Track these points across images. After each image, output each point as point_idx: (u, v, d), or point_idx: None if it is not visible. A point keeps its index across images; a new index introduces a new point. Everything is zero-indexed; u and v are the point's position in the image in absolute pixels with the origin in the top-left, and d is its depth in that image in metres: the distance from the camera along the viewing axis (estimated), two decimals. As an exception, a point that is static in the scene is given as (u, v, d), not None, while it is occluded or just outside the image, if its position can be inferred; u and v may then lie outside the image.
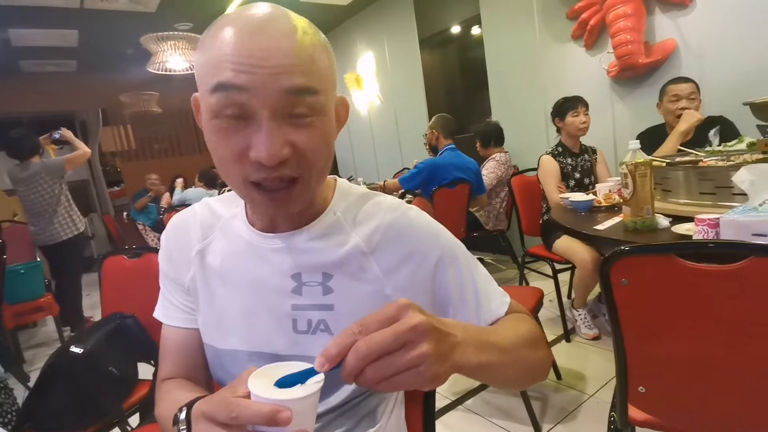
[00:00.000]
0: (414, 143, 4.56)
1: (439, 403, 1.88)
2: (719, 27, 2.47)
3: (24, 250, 3.41)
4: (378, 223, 0.63)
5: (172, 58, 4.20)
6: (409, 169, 4.48)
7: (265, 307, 0.61)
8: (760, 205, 1.01)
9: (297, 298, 0.61)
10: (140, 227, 5.24)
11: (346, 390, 0.62)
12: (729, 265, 0.78)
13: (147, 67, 4.36)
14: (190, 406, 0.48)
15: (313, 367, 0.41)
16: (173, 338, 0.69)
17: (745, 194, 1.11)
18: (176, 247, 0.68)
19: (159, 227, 5.00)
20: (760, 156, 1.42)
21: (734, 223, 1.00)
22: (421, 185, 2.90)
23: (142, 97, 6.14)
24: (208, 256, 0.65)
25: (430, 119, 3.38)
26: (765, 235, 0.94)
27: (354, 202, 0.66)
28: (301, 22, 0.51)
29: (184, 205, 4.34)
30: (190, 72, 4.38)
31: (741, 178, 1.06)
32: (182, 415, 0.48)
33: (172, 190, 5.30)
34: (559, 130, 2.59)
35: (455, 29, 4.24)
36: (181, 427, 0.47)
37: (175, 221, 0.70)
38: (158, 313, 0.71)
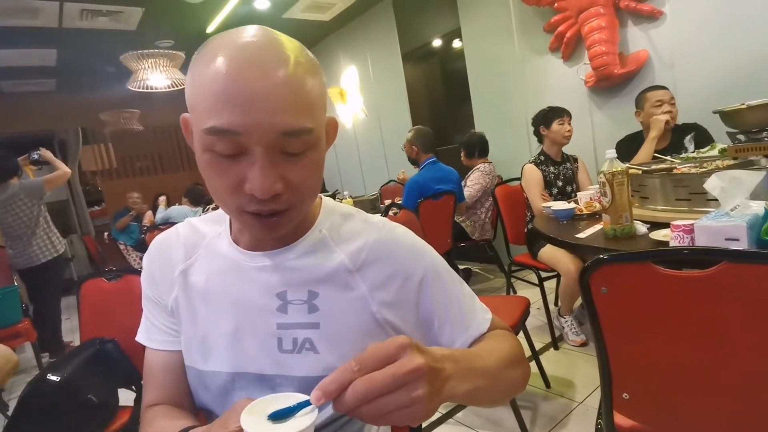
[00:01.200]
0: (400, 155, 4.57)
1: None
2: (689, 38, 2.56)
3: (0, 274, 3.33)
4: (364, 241, 0.63)
5: (153, 75, 4.18)
6: (395, 181, 4.51)
7: (249, 326, 0.61)
8: (732, 210, 1.04)
9: (282, 317, 0.60)
10: (122, 247, 5.15)
11: (331, 417, 0.62)
12: (703, 270, 0.80)
13: (127, 85, 4.33)
14: None
15: (308, 400, 0.41)
16: (157, 362, 0.67)
17: (718, 200, 1.14)
18: (159, 268, 0.67)
19: (141, 247, 4.91)
20: (731, 162, 1.46)
21: (707, 228, 1.02)
22: (417, 201, 2.92)
23: (123, 115, 6.09)
24: (192, 275, 0.65)
25: (409, 132, 3.41)
26: (737, 240, 0.96)
27: (339, 219, 0.66)
28: (293, 49, 0.51)
29: (167, 223, 4.28)
30: (171, 89, 4.36)
31: (712, 185, 1.08)
32: None
33: (155, 209, 5.23)
34: (541, 140, 2.64)
35: (437, 42, 4.31)
36: None
37: (158, 242, 0.70)
38: (141, 337, 0.69)
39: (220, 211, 0.69)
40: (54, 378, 1.17)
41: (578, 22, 2.89)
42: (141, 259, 4.96)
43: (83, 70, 5.22)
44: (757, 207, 1.02)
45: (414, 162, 3.28)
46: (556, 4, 3.01)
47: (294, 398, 0.43)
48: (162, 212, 4.92)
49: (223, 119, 0.47)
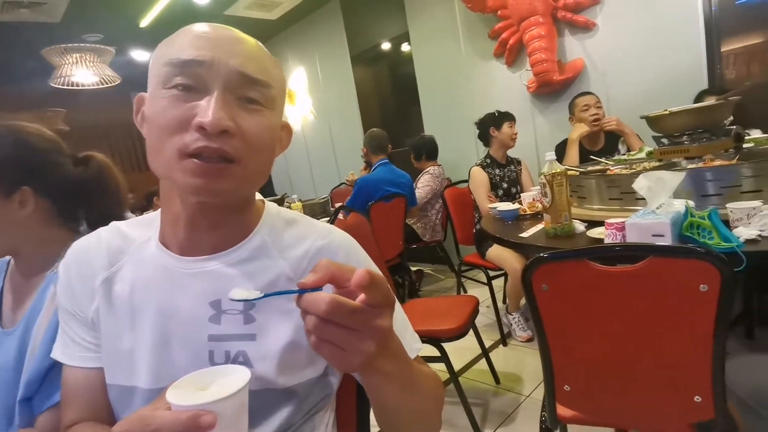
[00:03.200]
0: (350, 158, 4.58)
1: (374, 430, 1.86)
2: (619, 48, 2.74)
3: None
4: (307, 249, 0.61)
5: (79, 71, 3.88)
6: (345, 183, 4.49)
7: (179, 338, 0.57)
8: (658, 208, 1.12)
9: (215, 328, 0.57)
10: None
11: (280, 417, 0.59)
12: (632, 265, 0.85)
13: (49, 81, 4.00)
14: None
15: (243, 369, 0.40)
16: (77, 380, 0.61)
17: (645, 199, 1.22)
18: (77, 277, 0.61)
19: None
20: (657, 163, 1.57)
21: (636, 225, 1.09)
22: (366, 202, 2.92)
23: (46, 115, 5.61)
24: (116, 284, 0.60)
25: (365, 133, 3.42)
26: (662, 235, 1.04)
27: (282, 225, 0.64)
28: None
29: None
30: (101, 87, 4.08)
31: (640, 185, 1.16)
32: None
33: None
34: (487, 143, 2.72)
35: (385, 46, 4.35)
36: None
37: (76, 248, 0.64)
38: (57, 353, 0.63)
39: (150, 215, 0.65)
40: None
41: (520, 29, 3.02)
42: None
43: (1, 65, 4.79)
44: (679, 205, 1.10)
45: (369, 164, 3.31)
46: (499, 12, 3.12)
47: (229, 370, 0.41)
48: None
49: (189, 52, 0.50)
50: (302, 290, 0.38)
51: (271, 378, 0.57)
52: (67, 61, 3.82)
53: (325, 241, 0.63)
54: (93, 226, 0.86)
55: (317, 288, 0.38)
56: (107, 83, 4.00)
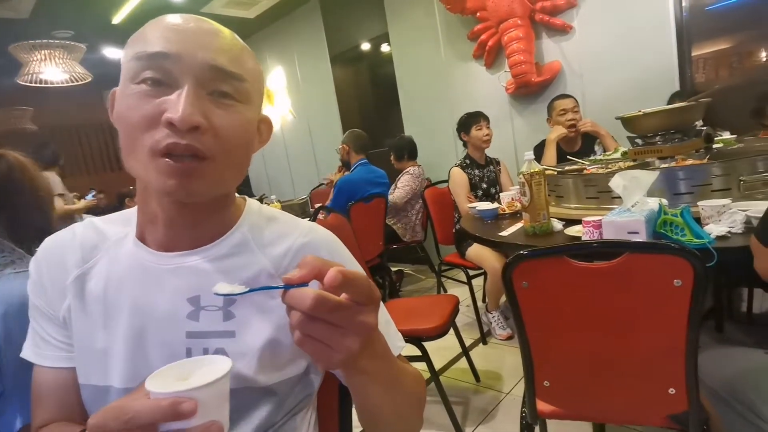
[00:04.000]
0: (330, 158, 4.55)
1: (357, 429, 1.85)
2: (595, 51, 2.81)
3: None
4: (289, 246, 0.60)
5: (48, 68, 3.75)
6: (325, 184, 4.46)
7: (155, 335, 0.55)
8: (633, 206, 1.14)
9: (193, 325, 0.55)
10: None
11: (260, 416, 0.58)
12: (609, 261, 0.86)
13: (16, 78, 3.85)
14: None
15: (225, 358, 0.39)
16: (49, 381, 0.59)
17: (621, 197, 1.25)
18: (48, 275, 0.59)
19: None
20: (631, 163, 1.61)
21: (613, 223, 1.11)
22: (347, 203, 2.90)
23: (13, 113, 5.40)
24: (90, 281, 0.58)
25: (344, 134, 3.41)
26: (637, 233, 1.06)
27: (264, 222, 0.63)
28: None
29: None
30: (70, 85, 3.94)
31: (615, 183, 1.19)
32: None
33: None
34: (465, 144, 2.75)
35: (365, 46, 4.34)
36: None
37: (48, 244, 0.61)
38: (27, 353, 0.60)
39: (126, 211, 0.63)
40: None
41: (498, 32, 3.06)
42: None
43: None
44: (653, 203, 1.13)
45: (346, 164, 3.28)
46: (478, 14, 3.15)
47: (205, 359, 0.41)
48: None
49: (156, 44, 0.48)
50: (287, 286, 0.37)
51: (251, 376, 0.56)
52: (35, 58, 3.68)
53: (307, 239, 0.62)
54: (12, 236, 0.80)
55: (303, 284, 0.37)
56: (78, 81, 3.86)
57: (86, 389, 0.58)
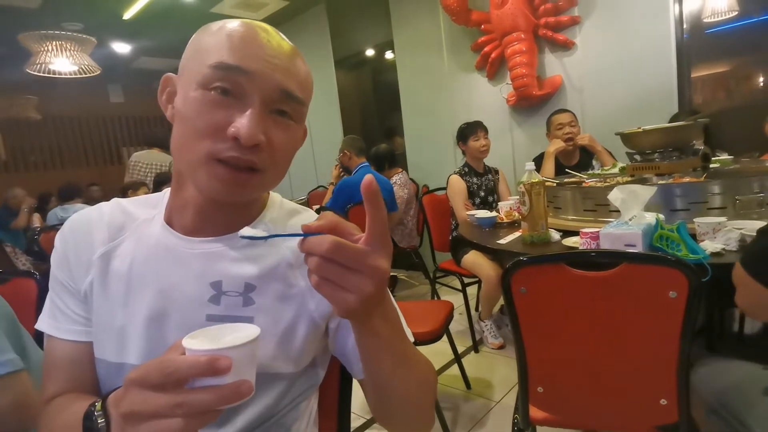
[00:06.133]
0: (329, 162, 4.56)
1: (354, 422, 1.85)
2: (596, 68, 2.85)
3: None
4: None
5: (58, 59, 3.76)
6: (323, 186, 4.47)
7: (175, 316, 0.57)
8: (630, 219, 1.16)
9: (213, 308, 0.57)
10: (9, 250, 4.53)
11: (266, 401, 0.59)
12: (607, 271, 0.88)
13: (25, 67, 3.86)
14: (104, 398, 0.45)
15: (253, 326, 0.42)
16: (63, 353, 0.60)
17: (619, 211, 1.27)
18: (74, 249, 0.61)
19: (31, 250, 4.35)
20: (629, 178, 1.64)
21: (610, 235, 1.13)
22: (345, 204, 2.91)
23: (18, 101, 5.39)
24: (115, 259, 0.59)
25: (344, 138, 3.42)
26: (634, 245, 1.08)
27: (286, 215, 0.66)
28: None
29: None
30: (78, 76, 3.94)
31: (614, 197, 1.21)
32: (97, 405, 0.44)
33: (44, 206, 4.66)
34: (464, 153, 2.77)
35: (369, 52, 4.38)
36: (99, 421, 0.43)
37: (75, 220, 0.63)
38: (44, 325, 0.61)
39: (153, 195, 0.66)
40: None
41: (502, 44, 3.10)
42: (31, 263, 4.42)
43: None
44: (650, 217, 1.16)
45: (347, 170, 3.29)
46: (482, 26, 3.20)
47: (236, 325, 0.43)
48: (64, 210, 4.41)
49: (236, 57, 0.51)
50: (306, 234, 0.40)
51: (264, 362, 0.57)
52: (45, 48, 3.68)
53: None
54: None
55: (320, 234, 0.40)
56: (86, 73, 3.87)
57: (101, 363, 0.59)
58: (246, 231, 0.44)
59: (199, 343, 0.40)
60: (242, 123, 0.50)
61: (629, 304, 0.89)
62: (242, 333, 0.41)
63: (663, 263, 0.83)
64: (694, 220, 1.18)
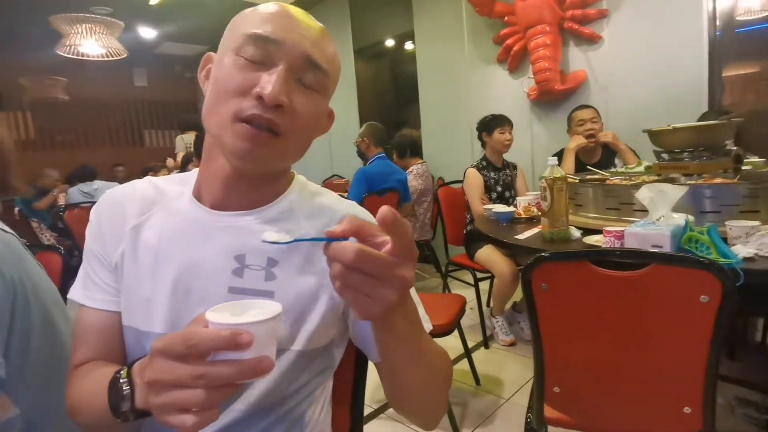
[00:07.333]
0: (345, 151, 4.54)
1: (366, 410, 1.84)
2: (622, 63, 2.77)
3: None
4: (331, 217, 0.64)
5: (87, 42, 3.81)
6: (338, 176, 4.45)
7: (200, 287, 0.58)
8: (658, 219, 1.12)
9: (236, 281, 0.59)
10: (35, 225, 4.64)
11: (279, 378, 0.59)
12: (634, 271, 0.85)
13: (56, 49, 3.91)
14: (130, 366, 0.47)
15: (273, 302, 0.43)
16: (93, 322, 0.62)
17: (645, 210, 1.23)
18: (108, 221, 0.64)
19: (56, 226, 4.46)
20: (655, 177, 1.58)
21: (636, 235, 1.09)
22: (363, 193, 2.89)
23: (47, 82, 5.47)
24: (145, 231, 0.62)
25: (361, 127, 3.39)
26: (661, 247, 1.04)
27: (310, 195, 0.68)
28: None
29: (89, 202, 3.92)
30: (105, 59, 3.99)
31: (642, 195, 1.17)
32: (123, 372, 0.47)
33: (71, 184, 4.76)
34: (483, 145, 2.72)
35: (389, 42, 4.33)
36: (124, 388, 0.46)
37: (109, 195, 0.66)
38: (77, 294, 0.64)
39: (183, 174, 0.68)
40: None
41: (525, 37, 3.03)
42: (55, 239, 4.53)
43: (4, 27, 4.64)
44: (680, 218, 1.11)
45: (362, 156, 3.27)
46: (506, 18, 3.13)
47: (257, 302, 0.44)
48: (86, 187, 4.48)
49: (267, 29, 0.54)
50: (330, 239, 0.40)
51: (282, 337, 0.58)
52: (75, 31, 3.75)
53: (351, 210, 0.67)
54: None
55: (344, 238, 0.40)
56: (114, 56, 3.93)
57: (128, 331, 0.61)
58: (269, 236, 0.44)
59: (222, 317, 0.41)
60: (267, 82, 0.52)
61: (657, 306, 0.85)
62: (264, 309, 0.42)
63: (695, 265, 0.79)
64: (725, 223, 1.13)
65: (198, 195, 0.64)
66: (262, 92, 0.52)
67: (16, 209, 5.01)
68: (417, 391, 0.56)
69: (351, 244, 0.38)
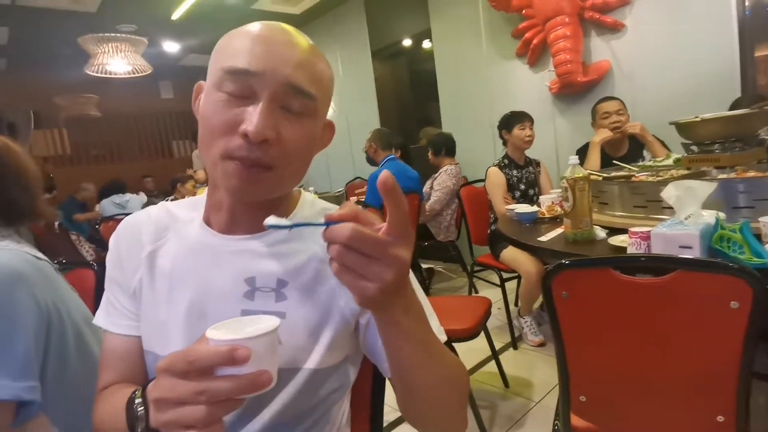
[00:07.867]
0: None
1: (389, 416, 1.85)
2: (648, 51, 2.67)
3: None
4: None
5: (114, 60, 3.99)
6: (361, 178, 4.48)
7: (213, 311, 0.60)
8: (686, 218, 1.08)
9: (248, 303, 0.60)
10: (74, 238, 4.87)
11: (293, 397, 0.59)
12: (659, 277, 0.82)
13: (85, 68, 4.10)
14: (144, 387, 0.48)
15: (274, 317, 0.44)
16: (116, 347, 0.65)
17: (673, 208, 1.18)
18: (126, 249, 0.66)
19: (93, 238, 4.68)
20: (685, 171, 1.52)
21: (663, 236, 1.05)
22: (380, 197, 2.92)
23: (79, 100, 5.75)
24: (160, 258, 0.64)
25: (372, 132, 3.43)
26: (690, 248, 1.00)
27: (317, 213, 0.68)
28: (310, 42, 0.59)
29: (122, 214, 4.09)
30: (132, 76, 4.15)
31: (668, 194, 1.12)
32: (137, 393, 0.48)
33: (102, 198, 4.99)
34: (505, 143, 2.68)
35: (407, 42, 4.32)
36: (138, 408, 0.47)
37: (127, 222, 0.69)
38: (101, 320, 0.66)
39: (194, 198, 0.70)
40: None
41: (544, 29, 2.96)
42: (94, 250, 4.75)
43: (37, 50, 4.90)
44: (709, 216, 1.06)
45: (371, 161, 3.31)
46: (524, 11, 3.07)
47: (257, 317, 0.46)
48: (118, 199, 4.68)
49: (244, 61, 0.53)
50: (328, 223, 0.41)
51: (294, 356, 0.59)
52: (102, 50, 3.94)
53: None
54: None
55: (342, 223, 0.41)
56: (139, 73, 4.08)
57: (149, 355, 0.63)
58: (270, 220, 0.45)
59: (222, 333, 0.42)
60: (251, 119, 0.52)
61: (684, 313, 0.82)
62: (262, 324, 0.43)
63: (723, 271, 0.76)
64: (759, 219, 1.08)
65: (207, 220, 0.65)
66: (247, 130, 0.51)
67: (56, 223, 5.27)
68: (429, 397, 0.55)
69: (347, 224, 0.40)
